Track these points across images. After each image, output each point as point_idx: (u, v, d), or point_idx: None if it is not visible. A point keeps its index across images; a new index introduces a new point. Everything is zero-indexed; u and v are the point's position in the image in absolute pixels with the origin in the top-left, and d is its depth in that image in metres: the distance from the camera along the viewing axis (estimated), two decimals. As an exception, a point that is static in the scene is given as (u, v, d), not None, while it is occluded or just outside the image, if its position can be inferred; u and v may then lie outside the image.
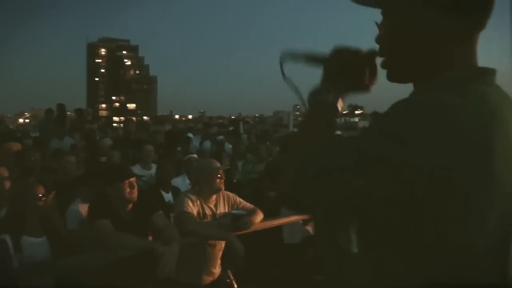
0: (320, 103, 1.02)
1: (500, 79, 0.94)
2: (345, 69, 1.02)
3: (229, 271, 3.53)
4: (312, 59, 1.09)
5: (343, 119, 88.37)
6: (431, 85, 0.91)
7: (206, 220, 3.31)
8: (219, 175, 3.36)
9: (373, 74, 1.05)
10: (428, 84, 0.93)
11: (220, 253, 3.42)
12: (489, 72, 0.92)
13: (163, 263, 2.69)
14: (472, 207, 0.81)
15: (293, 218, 3.98)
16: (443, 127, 0.78)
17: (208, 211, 3.34)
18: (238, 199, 3.53)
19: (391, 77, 1.00)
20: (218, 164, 3.48)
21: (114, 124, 25.50)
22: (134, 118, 7.41)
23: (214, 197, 3.40)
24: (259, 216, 3.46)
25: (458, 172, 0.78)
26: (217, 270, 3.43)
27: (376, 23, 0.99)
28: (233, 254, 3.14)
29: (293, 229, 4.65)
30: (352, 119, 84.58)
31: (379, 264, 0.90)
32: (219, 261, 3.44)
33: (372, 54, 1.02)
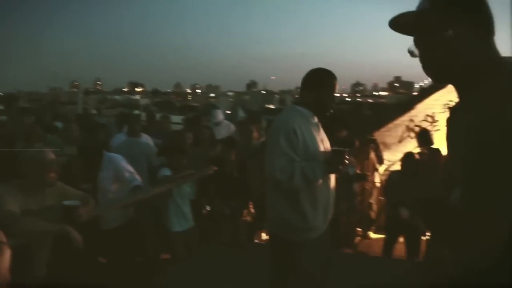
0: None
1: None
2: None
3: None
4: None
5: (125, 96, 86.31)
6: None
7: (33, 215, 2.87)
8: (52, 168, 2.96)
9: None
10: (476, 84, 1.17)
11: (47, 253, 3.04)
12: None
13: None
14: None
15: (122, 202, 3.77)
16: None
17: (33, 206, 2.91)
18: (68, 188, 3.18)
19: (435, 80, 1.31)
20: (52, 156, 3.03)
21: None
22: None
23: (39, 189, 2.97)
24: (92, 204, 3.17)
25: None
26: (44, 270, 3.04)
27: (409, 49, 1.25)
28: (70, 246, 2.82)
29: (110, 215, 4.40)
30: (133, 97, 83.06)
31: None
32: (45, 261, 3.05)
33: None
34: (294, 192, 2.73)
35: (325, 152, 2.80)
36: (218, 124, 7.60)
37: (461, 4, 1.17)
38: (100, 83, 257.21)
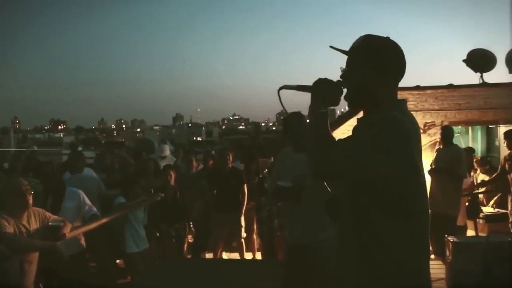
0: (317, 114, 1.74)
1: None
2: (325, 93, 1.76)
3: (40, 284, 3.70)
4: (301, 88, 1.82)
5: (47, 134, 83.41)
6: (382, 111, 1.70)
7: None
8: (28, 192, 3.50)
9: (340, 95, 1.79)
10: (375, 110, 1.72)
11: (35, 269, 3.57)
12: (405, 102, 1.80)
13: None
14: (421, 182, 1.71)
15: (91, 226, 4.33)
16: (403, 132, 1.61)
17: (22, 229, 3.47)
18: (47, 213, 3.74)
19: (349, 105, 1.85)
20: (24, 181, 3.59)
21: None
22: None
23: (25, 214, 3.52)
24: (69, 226, 3.75)
25: (413, 161, 1.65)
26: (32, 286, 3.57)
27: (341, 68, 1.80)
28: (58, 260, 3.40)
29: (68, 242, 4.90)
30: (56, 135, 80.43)
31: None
32: (33, 277, 3.58)
33: (339, 83, 1.79)
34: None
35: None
36: (164, 157, 8.23)
37: (365, 55, 1.74)
38: (18, 121, 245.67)
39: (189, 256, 6.40)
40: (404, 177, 1.63)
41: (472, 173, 7.12)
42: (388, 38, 1.80)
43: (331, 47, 1.80)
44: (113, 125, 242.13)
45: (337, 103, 1.79)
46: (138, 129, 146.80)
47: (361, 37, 1.80)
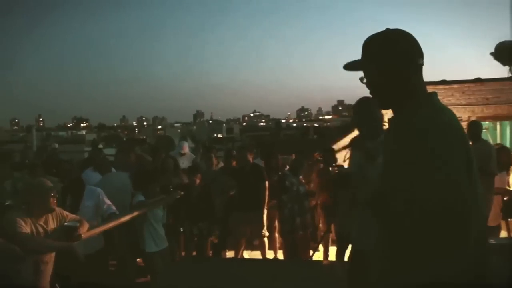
0: None
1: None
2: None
3: (57, 285, 3.63)
4: None
5: (69, 132, 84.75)
6: (407, 110, 1.63)
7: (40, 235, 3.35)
8: (52, 195, 3.41)
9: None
10: (400, 108, 1.66)
11: (51, 269, 3.49)
12: (435, 94, 1.65)
13: None
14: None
15: (109, 225, 4.25)
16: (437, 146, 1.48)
17: (40, 229, 3.38)
18: (65, 213, 3.64)
19: (381, 108, 1.85)
20: (50, 184, 3.50)
21: None
22: None
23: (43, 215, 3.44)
24: (86, 226, 3.65)
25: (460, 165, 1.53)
26: (48, 286, 3.49)
27: (360, 78, 1.74)
28: (74, 261, 3.31)
29: (86, 241, 4.82)
30: (79, 132, 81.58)
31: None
32: (49, 277, 3.50)
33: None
34: None
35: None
36: (183, 154, 8.19)
37: (367, 59, 1.70)
38: (42, 119, 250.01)
39: (210, 254, 6.29)
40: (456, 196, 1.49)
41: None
42: (386, 30, 1.70)
43: (344, 68, 1.75)
44: (134, 123, 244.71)
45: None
46: (159, 126, 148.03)
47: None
